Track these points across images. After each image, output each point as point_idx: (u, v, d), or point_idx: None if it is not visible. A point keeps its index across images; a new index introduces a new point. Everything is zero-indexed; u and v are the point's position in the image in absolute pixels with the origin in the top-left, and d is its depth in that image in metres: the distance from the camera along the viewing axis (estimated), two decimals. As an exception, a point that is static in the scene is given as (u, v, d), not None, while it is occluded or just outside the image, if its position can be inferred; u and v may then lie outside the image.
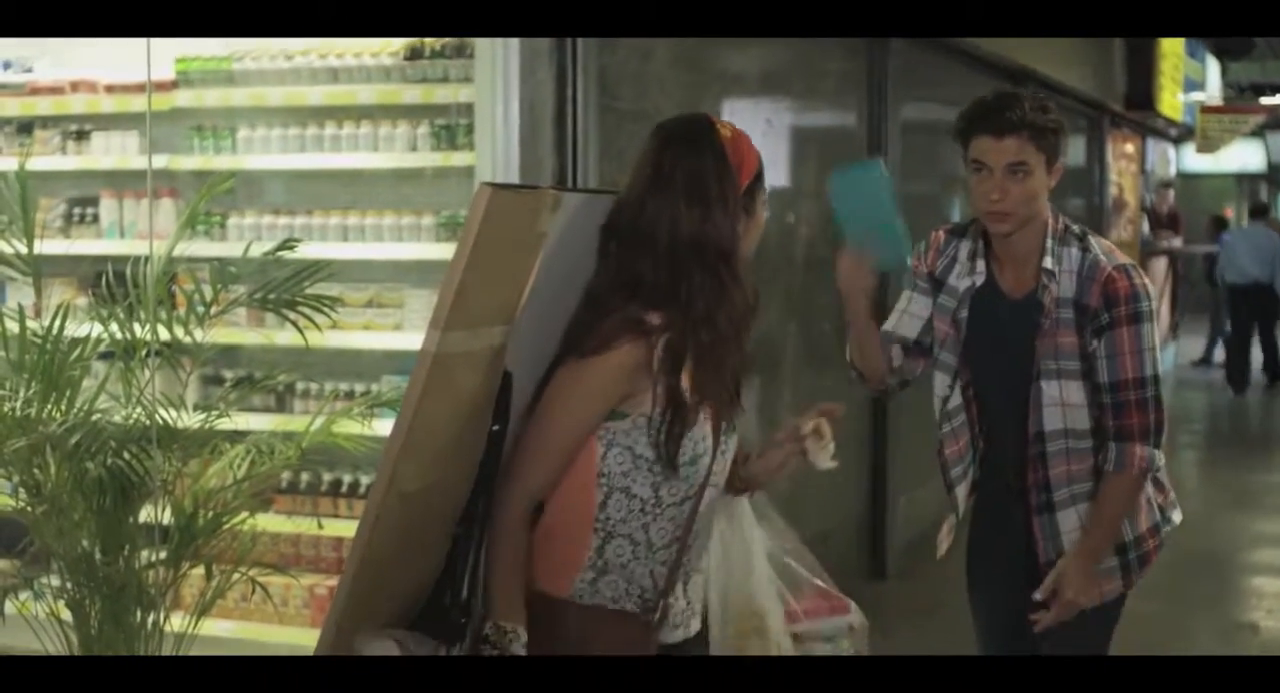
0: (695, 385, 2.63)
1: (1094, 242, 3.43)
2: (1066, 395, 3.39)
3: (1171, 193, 17.43)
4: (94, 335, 4.02)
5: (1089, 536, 3.41)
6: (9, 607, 3.93)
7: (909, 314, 3.61)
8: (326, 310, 4.06)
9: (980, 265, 3.47)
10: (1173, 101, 15.20)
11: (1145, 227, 15.98)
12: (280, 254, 4.11)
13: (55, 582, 3.96)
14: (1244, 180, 25.49)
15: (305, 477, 5.09)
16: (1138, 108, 14.18)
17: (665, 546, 2.68)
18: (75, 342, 3.96)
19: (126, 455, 3.86)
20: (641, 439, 2.62)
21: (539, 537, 2.68)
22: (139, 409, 3.98)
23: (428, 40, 4.94)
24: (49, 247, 4.69)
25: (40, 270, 4.15)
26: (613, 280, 2.65)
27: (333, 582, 4.90)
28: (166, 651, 3.95)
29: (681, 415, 2.62)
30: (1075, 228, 3.46)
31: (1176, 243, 16.83)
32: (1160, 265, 15.43)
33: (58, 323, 3.86)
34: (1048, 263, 3.37)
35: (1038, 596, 3.39)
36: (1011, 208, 3.32)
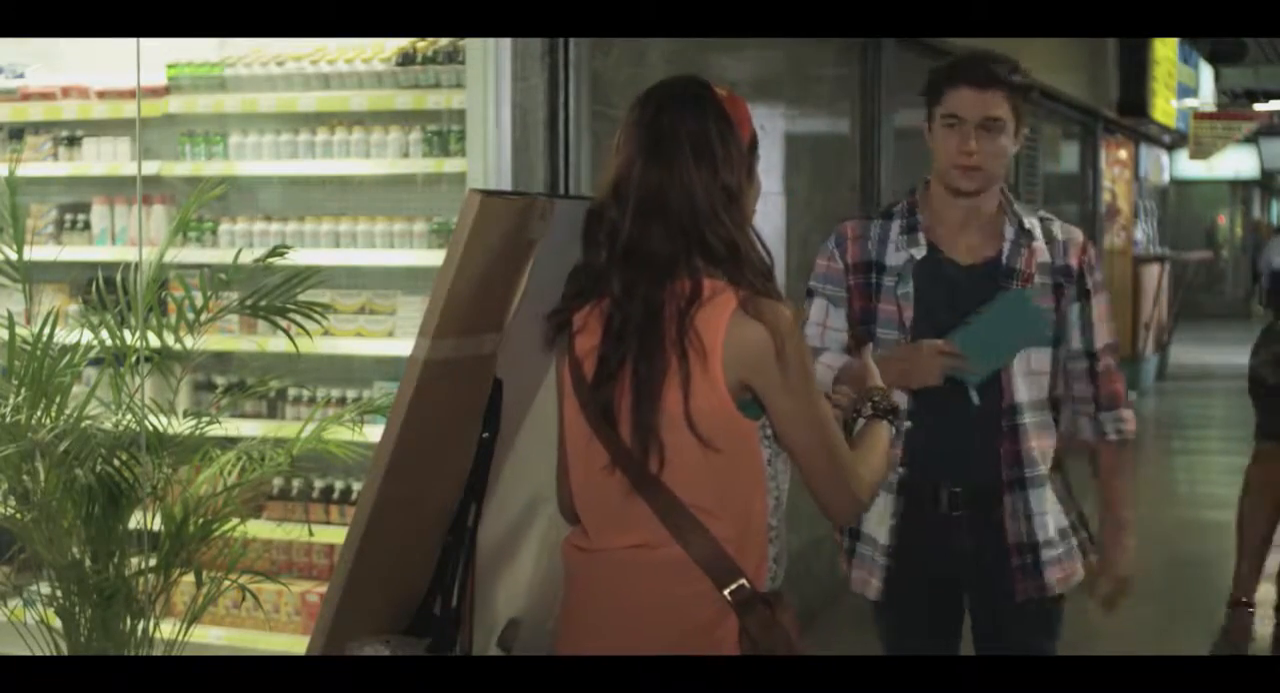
0: None
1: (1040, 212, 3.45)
2: (1037, 364, 3.30)
3: None
4: (84, 342, 4.02)
5: (1118, 511, 3.40)
6: (-1, 614, 3.92)
7: (832, 329, 3.44)
8: (318, 317, 4.06)
9: (920, 237, 3.35)
10: (1166, 107, 15.21)
11: (1139, 233, 15.97)
12: (271, 260, 4.11)
13: (45, 589, 3.95)
14: (1237, 187, 25.55)
15: (296, 483, 5.08)
16: (1131, 114, 14.19)
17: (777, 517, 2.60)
18: (65, 348, 3.96)
19: (116, 462, 3.86)
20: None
21: (737, 549, 2.50)
22: (129, 416, 3.97)
23: (419, 45, 4.93)
24: (40, 253, 4.68)
25: (31, 276, 4.15)
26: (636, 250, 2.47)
27: (324, 589, 4.88)
28: (156, 658, 3.94)
29: None
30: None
31: None
32: (1153, 272, 15.44)
33: (48, 329, 3.86)
34: (1027, 223, 3.33)
35: (1093, 601, 3.37)
36: (984, 163, 3.27)
